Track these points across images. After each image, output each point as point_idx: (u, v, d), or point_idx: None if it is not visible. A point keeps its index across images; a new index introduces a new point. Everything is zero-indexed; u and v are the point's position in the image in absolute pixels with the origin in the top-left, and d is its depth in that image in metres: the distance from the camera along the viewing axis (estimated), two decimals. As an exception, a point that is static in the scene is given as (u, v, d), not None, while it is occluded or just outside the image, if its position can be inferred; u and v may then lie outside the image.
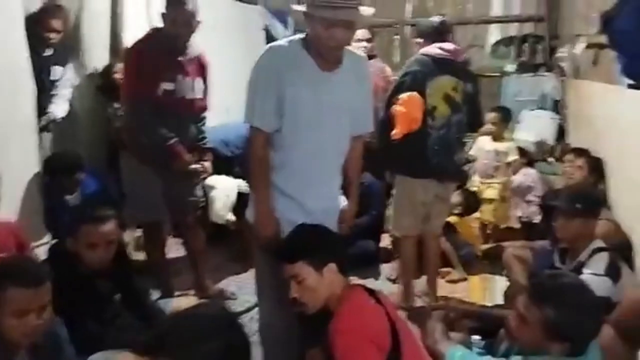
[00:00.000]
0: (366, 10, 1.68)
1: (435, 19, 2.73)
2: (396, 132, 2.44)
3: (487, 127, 3.69)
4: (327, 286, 1.60)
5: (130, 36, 2.95)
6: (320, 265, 1.59)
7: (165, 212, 2.66)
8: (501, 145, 3.65)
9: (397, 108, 2.45)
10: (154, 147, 2.42)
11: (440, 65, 2.53)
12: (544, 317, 1.36)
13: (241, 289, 2.97)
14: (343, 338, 1.48)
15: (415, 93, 2.47)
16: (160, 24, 2.43)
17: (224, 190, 2.93)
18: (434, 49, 2.56)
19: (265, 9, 4.93)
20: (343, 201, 1.98)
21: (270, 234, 1.81)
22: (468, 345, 1.75)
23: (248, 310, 2.70)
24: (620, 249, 2.26)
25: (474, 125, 2.77)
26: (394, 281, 3.21)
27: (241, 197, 3.09)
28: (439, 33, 2.61)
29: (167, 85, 2.37)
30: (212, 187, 2.90)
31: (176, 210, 2.66)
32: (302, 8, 1.69)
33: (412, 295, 2.85)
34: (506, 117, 3.75)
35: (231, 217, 3.15)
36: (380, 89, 3.15)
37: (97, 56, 3.18)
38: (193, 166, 2.57)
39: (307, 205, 1.81)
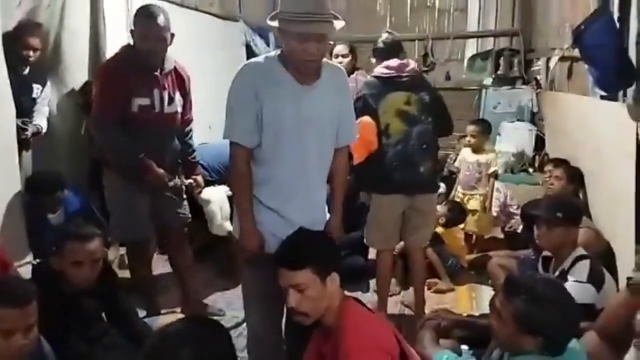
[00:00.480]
0: (338, 24, 1.70)
1: (383, 36, 2.81)
2: (355, 158, 2.54)
3: (468, 139, 3.77)
4: (328, 297, 1.53)
5: (112, 54, 2.94)
6: (325, 274, 1.52)
7: (151, 230, 2.62)
8: (482, 157, 3.71)
9: None
10: (137, 161, 2.39)
11: (388, 83, 2.62)
12: (515, 309, 1.41)
13: (230, 305, 2.94)
14: (361, 356, 1.41)
15: (366, 117, 2.57)
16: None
17: (218, 202, 2.89)
18: (380, 69, 2.67)
19: (247, 25, 4.97)
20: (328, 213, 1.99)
21: (254, 248, 1.81)
22: (457, 352, 1.77)
23: (237, 326, 2.68)
24: (601, 256, 2.32)
25: (443, 130, 2.76)
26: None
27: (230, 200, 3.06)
28: (387, 51, 2.70)
29: (141, 101, 2.33)
30: (208, 202, 2.86)
31: (163, 227, 2.63)
32: (275, 23, 1.71)
33: (386, 307, 2.90)
34: (486, 129, 3.83)
35: (230, 227, 3.07)
36: None
37: (78, 74, 3.16)
38: (173, 182, 2.53)
39: (291, 218, 1.81)
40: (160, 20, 2.28)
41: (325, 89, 1.80)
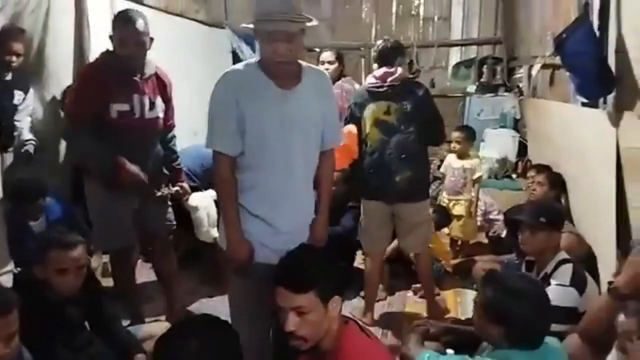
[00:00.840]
0: (307, 24, 1.72)
1: (378, 43, 2.83)
2: (337, 165, 2.53)
3: (453, 145, 3.81)
4: (328, 321, 1.42)
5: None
6: (328, 298, 1.40)
7: (134, 237, 2.59)
8: (467, 163, 3.75)
9: None
10: (107, 169, 2.35)
11: (372, 93, 2.68)
12: (484, 297, 1.48)
13: (215, 312, 2.85)
14: None
15: (350, 126, 2.70)
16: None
17: (205, 208, 2.88)
18: (368, 78, 2.74)
19: (233, 32, 4.97)
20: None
21: (242, 258, 1.79)
22: (442, 353, 1.79)
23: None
24: (583, 260, 2.36)
25: (429, 140, 2.76)
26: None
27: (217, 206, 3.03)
28: (381, 58, 2.73)
29: (120, 107, 2.30)
30: (195, 209, 2.83)
31: (147, 235, 2.60)
32: (251, 26, 1.73)
33: (372, 309, 2.93)
34: (470, 135, 3.87)
35: (217, 233, 3.00)
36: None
37: (61, 80, 3.12)
38: (160, 192, 2.52)
39: (278, 226, 1.81)
40: (139, 24, 2.26)
41: (307, 92, 1.80)
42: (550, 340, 1.47)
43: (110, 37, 2.32)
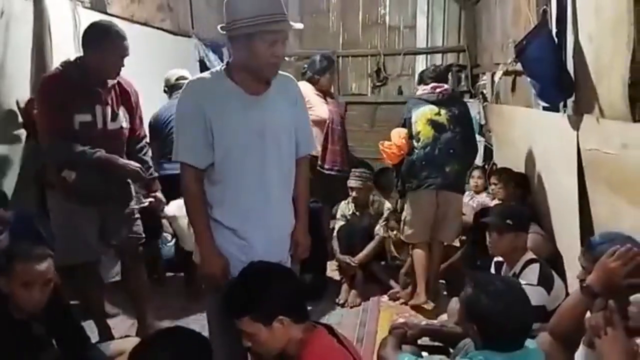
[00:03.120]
0: (296, 25, 1.72)
1: (431, 67, 3.57)
2: (390, 161, 3.22)
3: None
4: (279, 338, 1.46)
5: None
6: (268, 320, 1.44)
7: (100, 251, 2.53)
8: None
9: (385, 143, 3.18)
10: (83, 182, 2.31)
11: (424, 100, 3.14)
12: (464, 295, 1.53)
13: (187, 326, 2.85)
14: None
15: (398, 129, 3.16)
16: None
17: (184, 217, 2.78)
18: (420, 89, 3.24)
19: (200, 41, 4.94)
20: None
21: (217, 273, 1.74)
22: (418, 355, 1.81)
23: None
24: (549, 259, 2.43)
25: (467, 139, 3.15)
26: (342, 306, 3.23)
27: None
28: (437, 77, 3.23)
29: (82, 117, 2.26)
30: (174, 218, 2.73)
31: (114, 249, 2.54)
32: (237, 32, 1.65)
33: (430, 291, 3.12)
34: None
35: None
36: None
37: (21, 91, 3.02)
38: (132, 206, 2.46)
39: (251, 239, 1.76)
40: (127, 42, 2.29)
41: (276, 98, 1.77)
42: (528, 342, 1.50)
43: (87, 46, 2.28)
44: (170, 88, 3.35)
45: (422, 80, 3.28)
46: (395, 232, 3.44)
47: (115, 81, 2.40)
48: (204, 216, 1.75)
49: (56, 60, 3.03)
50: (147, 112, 2.63)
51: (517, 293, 1.52)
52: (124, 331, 2.78)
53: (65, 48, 3.11)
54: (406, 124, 3.13)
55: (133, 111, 2.51)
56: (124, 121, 2.43)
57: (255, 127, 1.71)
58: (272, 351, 1.48)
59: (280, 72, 1.84)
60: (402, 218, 3.21)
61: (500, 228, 2.26)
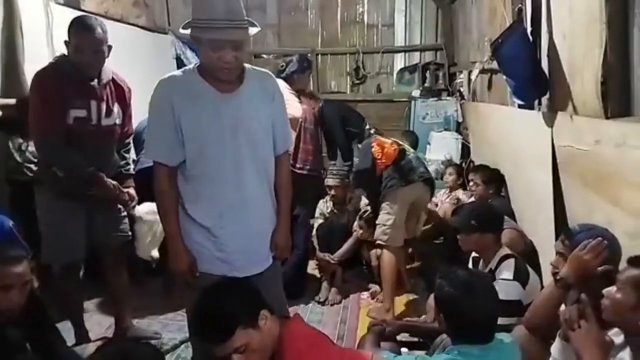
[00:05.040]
0: (253, 30, 1.67)
1: None
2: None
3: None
4: (268, 336, 1.45)
5: (32, 67, 2.77)
6: (254, 321, 1.43)
7: (84, 250, 2.47)
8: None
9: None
10: (71, 179, 2.27)
11: None
12: (438, 293, 1.56)
13: (166, 327, 2.83)
14: None
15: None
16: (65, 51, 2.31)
17: (148, 222, 2.73)
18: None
19: (176, 38, 4.87)
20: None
21: (182, 269, 1.76)
22: (397, 353, 1.83)
23: (174, 348, 2.59)
24: (525, 254, 2.47)
25: None
26: (322, 303, 3.24)
27: None
28: None
29: (77, 113, 2.23)
30: (139, 219, 2.68)
31: (99, 247, 2.50)
32: (188, 31, 1.65)
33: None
34: (413, 141, 3.96)
35: (155, 253, 2.82)
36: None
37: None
38: (121, 194, 2.43)
39: (224, 238, 1.76)
40: (98, 32, 2.22)
41: (250, 95, 1.74)
42: (502, 335, 1.53)
43: (66, 42, 2.24)
44: None
45: None
46: (361, 231, 3.37)
47: (110, 77, 2.38)
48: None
49: (28, 58, 2.97)
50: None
51: (482, 284, 1.55)
52: (101, 333, 2.73)
53: (37, 45, 3.03)
54: None
55: (126, 108, 2.49)
56: (117, 118, 2.41)
57: (227, 124, 1.70)
58: (267, 353, 1.46)
59: (257, 68, 1.84)
60: (382, 221, 3.05)
61: (465, 228, 2.30)
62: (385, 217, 3.01)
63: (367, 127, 3.63)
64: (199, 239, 1.77)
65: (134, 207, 2.56)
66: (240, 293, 1.47)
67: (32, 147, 2.68)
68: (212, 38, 1.60)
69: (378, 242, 3.04)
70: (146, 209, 2.60)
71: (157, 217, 2.87)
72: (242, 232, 1.77)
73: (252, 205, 1.79)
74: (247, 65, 1.81)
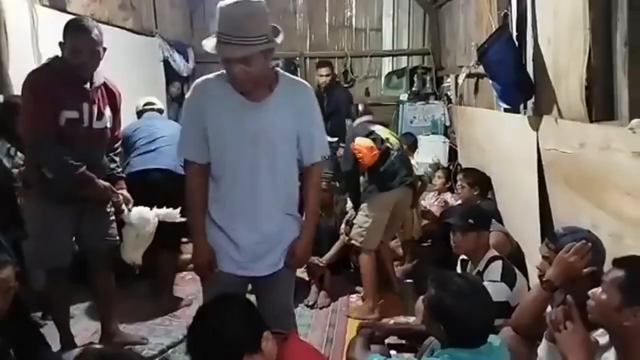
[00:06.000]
0: (259, 47, 1.60)
1: None
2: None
3: None
4: (270, 357, 1.34)
5: (17, 68, 2.74)
6: (258, 345, 1.31)
7: (72, 254, 2.43)
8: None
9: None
10: (62, 181, 2.24)
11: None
12: (428, 297, 1.56)
13: (153, 332, 2.81)
14: None
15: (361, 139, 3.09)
16: (55, 51, 2.28)
17: (135, 227, 2.67)
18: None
19: (164, 41, 4.85)
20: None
21: (202, 263, 1.81)
22: (386, 356, 1.83)
23: (161, 353, 2.57)
24: (512, 256, 2.50)
25: None
26: (311, 307, 3.23)
27: (163, 226, 2.74)
28: None
29: (70, 114, 2.22)
30: (128, 223, 2.64)
31: (87, 251, 2.47)
32: (207, 41, 1.65)
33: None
34: (412, 143, 3.98)
35: (138, 259, 2.70)
36: None
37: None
38: (114, 195, 2.42)
39: (236, 239, 1.78)
40: (95, 34, 2.21)
41: (278, 105, 1.74)
42: (492, 338, 1.53)
43: (61, 44, 2.23)
44: (139, 114, 3.35)
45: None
46: (347, 237, 3.31)
47: (102, 81, 2.37)
48: (200, 211, 1.81)
49: (12, 59, 2.93)
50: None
51: (478, 290, 1.55)
52: (87, 339, 2.69)
53: (22, 47, 3.00)
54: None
55: (116, 113, 2.48)
56: (108, 121, 2.40)
57: (249, 132, 1.72)
58: None
59: (293, 78, 1.85)
60: (359, 223, 3.04)
61: (463, 228, 2.31)
62: (363, 219, 3.05)
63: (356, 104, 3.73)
64: (214, 235, 1.81)
65: (130, 209, 2.53)
66: (243, 316, 1.35)
67: (21, 153, 2.65)
68: (214, 53, 1.61)
69: (353, 242, 3.13)
70: (136, 213, 2.58)
71: (144, 222, 2.89)
72: (251, 238, 1.79)
73: (264, 213, 1.79)
74: (283, 73, 1.80)
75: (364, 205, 3.07)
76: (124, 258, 2.63)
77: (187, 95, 1.81)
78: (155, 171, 2.94)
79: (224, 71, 1.73)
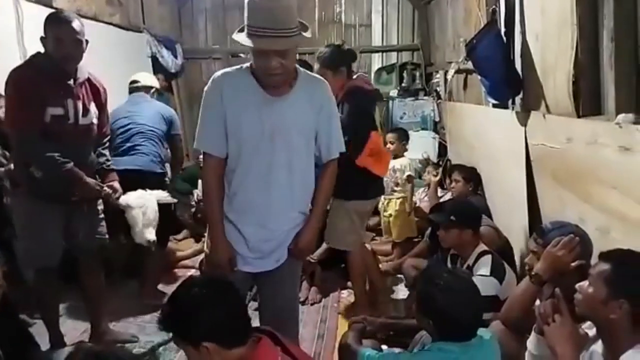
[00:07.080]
0: (300, 37, 1.66)
1: None
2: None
3: (387, 146, 3.87)
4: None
5: (2, 65, 2.70)
6: (194, 344, 1.28)
7: (61, 253, 2.40)
8: (397, 163, 3.80)
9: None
10: (49, 179, 2.22)
11: None
12: (417, 291, 1.57)
13: (143, 330, 2.79)
14: None
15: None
16: (40, 48, 2.25)
17: (139, 207, 2.65)
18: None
19: (152, 36, 4.81)
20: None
21: (222, 261, 1.78)
22: (378, 349, 1.84)
23: (152, 350, 2.55)
24: (501, 251, 2.52)
25: None
26: (303, 303, 3.23)
27: (163, 208, 2.84)
28: None
29: (54, 110, 2.18)
30: (128, 208, 2.62)
31: (76, 250, 2.44)
32: (239, 37, 1.65)
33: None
34: (403, 136, 4.00)
35: (152, 236, 2.73)
36: None
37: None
38: (103, 191, 2.40)
39: (246, 234, 1.79)
40: (76, 23, 2.19)
41: (298, 100, 1.74)
42: (482, 331, 1.55)
43: (42, 39, 2.20)
44: (129, 91, 3.36)
45: None
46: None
47: (86, 76, 2.34)
48: (218, 205, 1.78)
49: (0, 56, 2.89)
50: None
51: (467, 285, 1.56)
52: (77, 338, 2.67)
53: (7, 43, 2.95)
54: None
55: (102, 108, 2.46)
56: (94, 117, 2.37)
57: (267, 127, 1.71)
58: None
59: (312, 75, 1.85)
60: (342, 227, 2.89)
61: (445, 224, 2.33)
62: (342, 221, 2.89)
63: None
64: (227, 232, 1.80)
65: (117, 198, 2.52)
66: (199, 317, 1.29)
67: (7, 152, 2.61)
68: (253, 47, 1.61)
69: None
70: (132, 197, 2.59)
71: (143, 200, 2.88)
72: (260, 234, 1.79)
73: (276, 209, 1.79)
74: (302, 70, 1.80)
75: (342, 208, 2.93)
76: (136, 240, 2.64)
77: (205, 89, 1.77)
78: (130, 172, 2.90)
79: (243, 65, 1.75)
